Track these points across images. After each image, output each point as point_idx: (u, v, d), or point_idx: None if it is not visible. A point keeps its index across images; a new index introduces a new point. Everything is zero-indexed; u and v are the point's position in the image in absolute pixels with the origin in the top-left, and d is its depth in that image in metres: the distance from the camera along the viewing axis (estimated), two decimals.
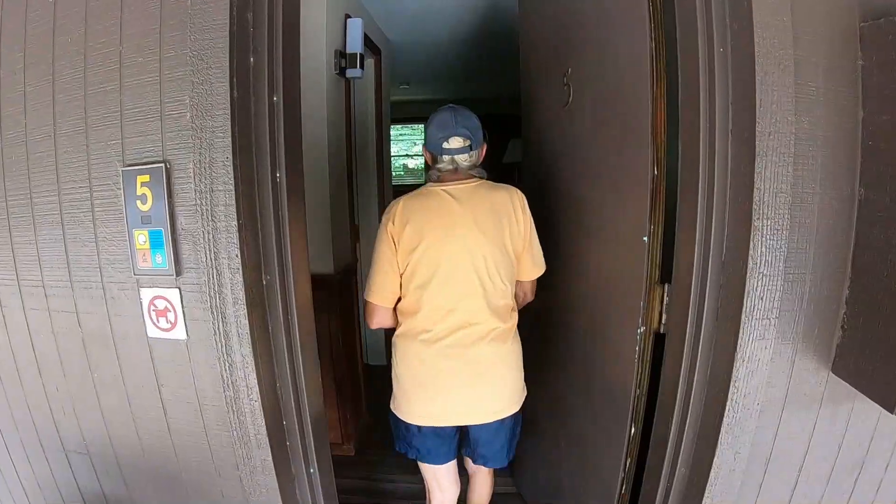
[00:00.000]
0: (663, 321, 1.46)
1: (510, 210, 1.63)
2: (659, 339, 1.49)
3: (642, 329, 1.48)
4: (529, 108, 2.39)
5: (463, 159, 1.63)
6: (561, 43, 1.97)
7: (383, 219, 1.63)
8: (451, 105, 1.69)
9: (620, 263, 1.60)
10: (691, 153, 1.26)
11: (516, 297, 1.75)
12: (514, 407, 1.72)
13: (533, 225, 1.69)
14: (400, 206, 1.62)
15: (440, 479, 1.86)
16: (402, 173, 9.41)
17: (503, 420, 1.70)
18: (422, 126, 8.98)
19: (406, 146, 9.44)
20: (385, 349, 4.13)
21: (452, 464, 1.86)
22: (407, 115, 8.95)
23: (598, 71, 1.71)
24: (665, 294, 1.44)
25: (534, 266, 1.73)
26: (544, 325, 2.15)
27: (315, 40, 2.54)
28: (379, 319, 1.68)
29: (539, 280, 1.83)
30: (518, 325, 1.77)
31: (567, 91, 1.87)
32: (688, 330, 1.31)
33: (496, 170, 6.61)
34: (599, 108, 1.73)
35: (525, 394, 1.77)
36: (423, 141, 1.68)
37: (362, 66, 2.83)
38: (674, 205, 1.36)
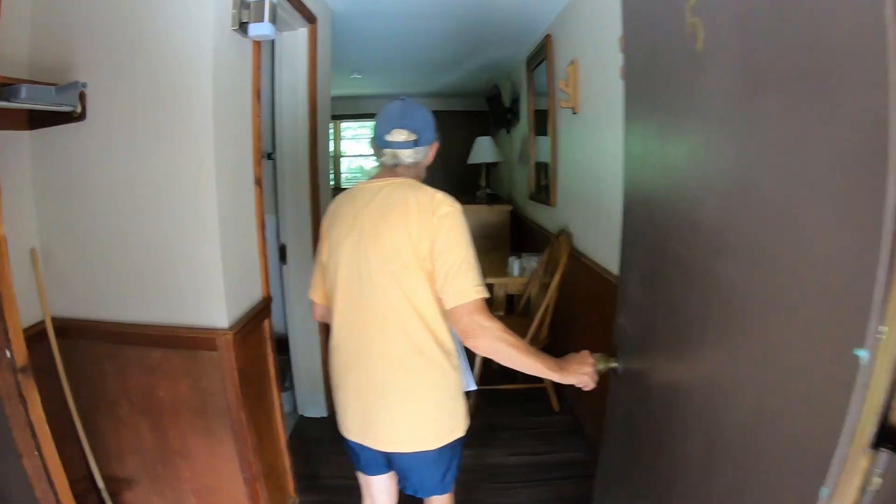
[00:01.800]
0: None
1: (414, 213, 1.37)
2: None
3: None
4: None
5: (406, 155, 1.48)
6: None
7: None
8: (403, 97, 1.55)
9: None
10: None
11: (455, 327, 1.40)
12: (422, 444, 1.47)
13: (462, 239, 1.38)
14: (331, 204, 1.56)
15: (371, 489, 1.70)
16: (360, 176, 8.48)
17: (420, 453, 1.48)
18: None
19: (362, 146, 8.52)
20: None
21: (386, 478, 1.67)
22: (363, 111, 8.06)
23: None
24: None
25: (459, 287, 1.34)
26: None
27: None
28: (319, 314, 1.64)
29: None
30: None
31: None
32: None
33: (460, 172, 5.62)
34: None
35: (455, 434, 1.50)
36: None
37: (274, 21, 1.93)
38: None
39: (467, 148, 8.29)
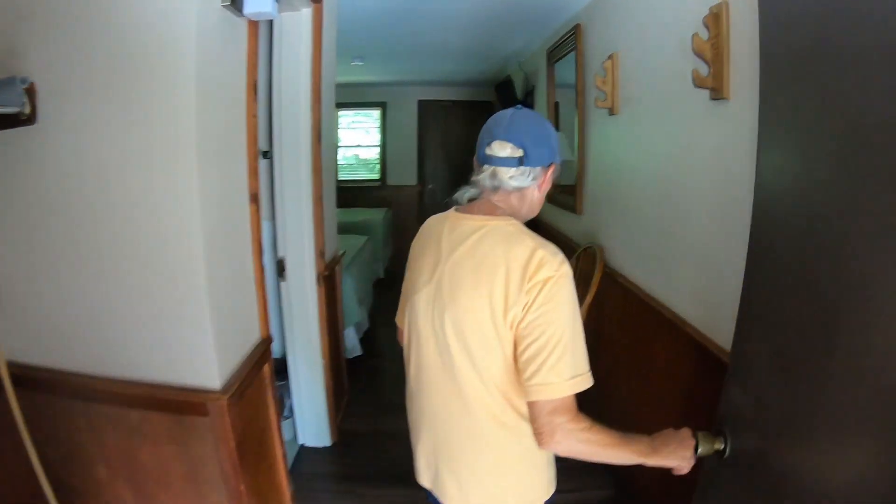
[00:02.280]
0: None
1: (502, 271, 1.08)
2: None
3: None
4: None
5: (508, 175, 1.16)
6: None
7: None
8: (518, 105, 1.24)
9: None
10: None
11: (534, 430, 1.09)
12: None
13: (559, 311, 1.06)
14: (420, 232, 1.33)
15: None
16: (355, 163, 8.09)
17: None
18: (378, 112, 7.84)
19: (359, 135, 8.11)
20: None
21: None
22: (362, 99, 7.66)
23: None
24: None
25: (536, 380, 1.05)
26: None
27: None
28: (402, 339, 1.36)
29: None
30: None
31: None
32: None
33: (462, 165, 5.37)
34: None
35: None
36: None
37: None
38: None
39: (471, 141, 7.79)
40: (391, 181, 7.94)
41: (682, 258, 2.12)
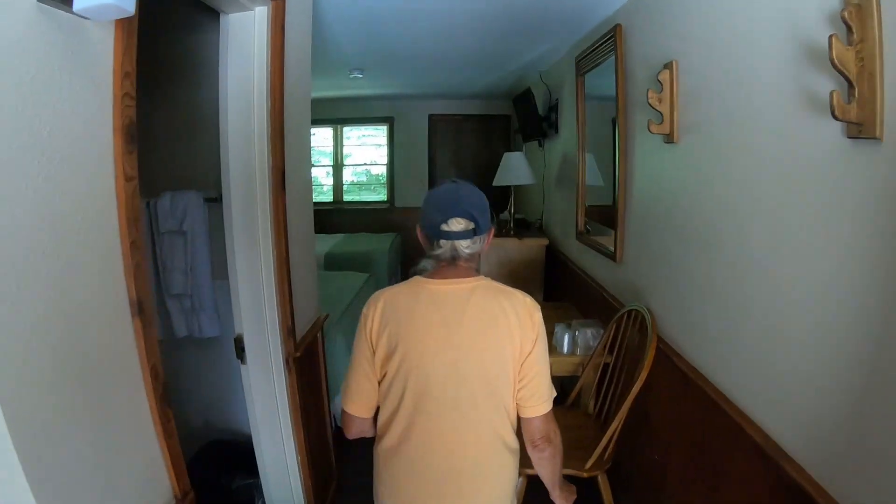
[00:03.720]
0: None
1: (514, 321, 1.34)
2: None
3: None
4: None
5: (465, 245, 1.37)
6: None
7: (363, 311, 1.41)
8: (453, 179, 1.45)
9: None
10: None
11: (529, 440, 1.42)
12: None
13: (544, 344, 1.40)
14: (381, 303, 1.38)
15: None
16: (366, 181, 7.50)
17: None
18: (384, 127, 7.22)
19: (369, 151, 7.51)
20: None
21: None
22: (365, 114, 7.06)
23: None
24: None
25: (541, 397, 1.38)
26: None
27: None
28: (356, 430, 1.45)
29: None
30: None
31: None
32: None
33: (488, 197, 4.59)
34: None
35: None
36: (420, 222, 1.42)
37: None
38: None
39: (485, 159, 7.29)
40: (399, 203, 7.30)
41: (778, 360, 1.44)
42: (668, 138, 2.13)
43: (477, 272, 1.43)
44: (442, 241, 1.37)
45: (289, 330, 2.15)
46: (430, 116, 7.15)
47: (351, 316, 3.68)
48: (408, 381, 1.34)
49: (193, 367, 2.72)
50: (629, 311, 2.52)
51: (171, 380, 1.26)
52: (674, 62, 2.06)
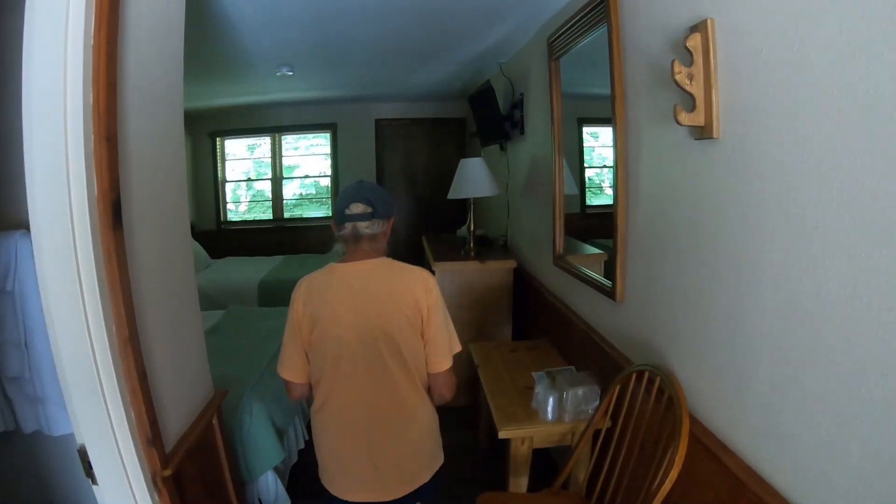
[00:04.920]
0: None
1: (409, 292, 1.58)
2: None
3: None
4: None
5: (364, 226, 1.58)
6: None
7: (293, 295, 1.62)
8: (359, 180, 1.71)
9: None
10: None
11: (431, 394, 1.69)
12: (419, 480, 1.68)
13: (443, 310, 1.63)
14: (304, 286, 1.62)
15: None
16: (314, 193, 6.76)
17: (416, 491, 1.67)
18: (327, 134, 6.44)
19: (318, 161, 6.75)
20: None
21: None
22: (304, 120, 6.31)
23: None
24: None
25: (441, 356, 1.62)
26: None
27: None
28: (297, 394, 1.67)
29: None
30: None
31: None
32: None
33: (429, 202, 3.85)
34: None
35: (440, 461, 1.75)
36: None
37: None
38: None
39: (438, 167, 6.57)
40: None
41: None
42: (702, 132, 1.46)
43: (380, 255, 1.63)
44: (346, 224, 1.57)
45: (149, 440, 1.39)
46: (377, 121, 6.41)
47: (272, 374, 2.90)
48: (326, 347, 1.55)
49: (50, 473, 1.92)
50: (639, 372, 1.84)
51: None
52: (708, 22, 1.40)
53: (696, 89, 1.45)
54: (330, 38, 3.18)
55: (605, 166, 2.52)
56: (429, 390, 1.68)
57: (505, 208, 4.06)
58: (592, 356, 2.38)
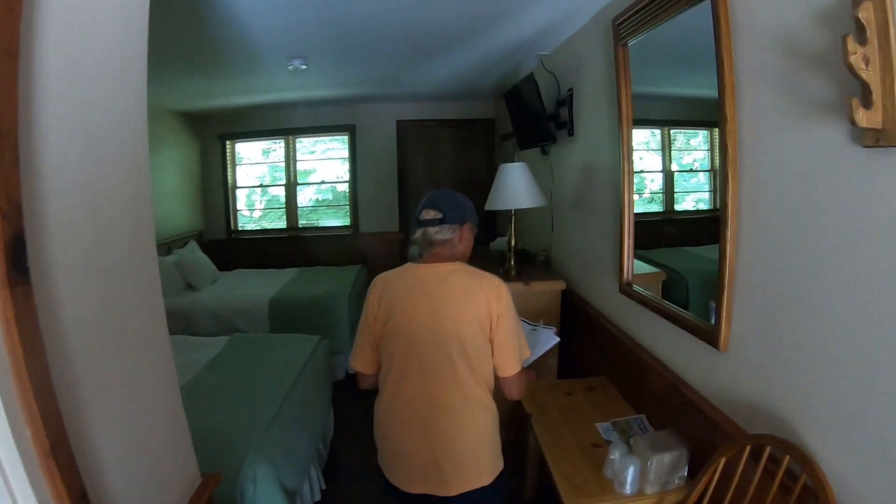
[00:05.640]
0: None
1: (482, 298, 1.61)
2: None
3: None
4: None
5: (434, 231, 1.66)
6: None
7: (369, 290, 1.71)
8: (442, 188, 1.76)
9: None
10: None
11: (506, 394, 1.72)
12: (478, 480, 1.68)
13: (513, 317, 1.64)
14: (380, 282, 1.70)
15: None
16: (331, 198, 6.35)
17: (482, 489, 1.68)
18: (345, 137, 6.00)
19: (335, 166, 6.34)
20: None
21: None
22: (320, 122, 5.92)
23: None
24: None
25: (510, 361, 1.65)
26: None
27: None
28: (366, 383, 1.77)
29: None
30: None
31: None
32: None
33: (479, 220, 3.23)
34: None
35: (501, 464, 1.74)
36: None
37: None
38: None
39: (465, 172, 6.15)
40: (365, 227, 6.09)
41: None
42: (879, 137, 1.01)
43: (456, 260, 1.69)
44: (418, 229, 1.69)
45: None
46: (399, 123, 5.97)
47: (291, 416, 2.45)
48: (398, 342, 1.62)
49: None
50: (757, 446, 1.39)
51: None
52: None
53: (874, 77, 0.98)
54: (348, 21, 2.74)
55: (642, 171, 2.27)
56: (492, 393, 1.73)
57: (546, 219, 3.59)
58: (676, 409, 1.92)
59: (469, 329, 1.59)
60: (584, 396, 2.41)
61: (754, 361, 1.52)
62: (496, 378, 1.69)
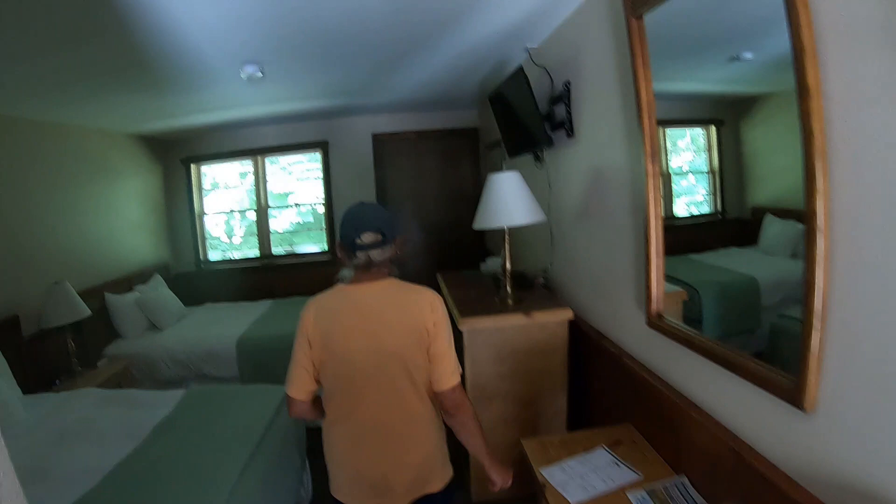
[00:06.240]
0: None
1: (416, 310, 1.63)
2: None
3: None
4: None
5: (377, 254, 1.63)
6: None
7: (302, 315, 1.67)
8: (360, 201, 1.73)
9: None
10: None
11: (443, 409, 1.70)
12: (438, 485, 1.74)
13: (447, 329, 1.66)
14: (313, 306, 1.67)
15: None
16: (312, 221, 5.87)
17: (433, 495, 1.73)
18: (317, 154, 5.56)
19: (313, 185, 5.88)
20: None
21: None
22: (289, 140, 5.47)
23: None
24: None
25: (447, 371, 1.65)
26: None
27: None
28: (296, 411, 1.71)
29: None
30: None
31: None
32: None
33: (459, 239, 2.82)
34: None
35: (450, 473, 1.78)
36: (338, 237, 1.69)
37: None
38: None
39: (453, 187, 5.68)
40: None
41: None
42: None
43: (388, 274, 1.69)
44: (358, 253, 1.61)
45: None
46: (375, 136, 5.53)
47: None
48: (339, 367, 1.61)
49: None
50: None
51: None
52: None
53: None
54: (299, 16, 2.30)
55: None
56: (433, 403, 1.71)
57: (543, 235, 3.15)
58: (732, 475, 1.47)
59: (407, 345, 1.61)
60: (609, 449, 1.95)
61: (855, 427, 1.09)
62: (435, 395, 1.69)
